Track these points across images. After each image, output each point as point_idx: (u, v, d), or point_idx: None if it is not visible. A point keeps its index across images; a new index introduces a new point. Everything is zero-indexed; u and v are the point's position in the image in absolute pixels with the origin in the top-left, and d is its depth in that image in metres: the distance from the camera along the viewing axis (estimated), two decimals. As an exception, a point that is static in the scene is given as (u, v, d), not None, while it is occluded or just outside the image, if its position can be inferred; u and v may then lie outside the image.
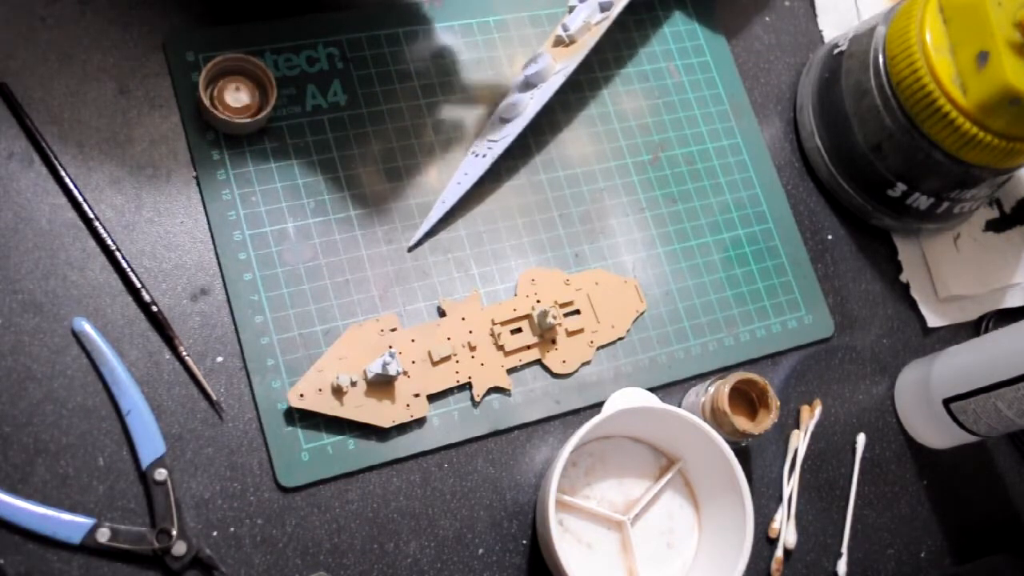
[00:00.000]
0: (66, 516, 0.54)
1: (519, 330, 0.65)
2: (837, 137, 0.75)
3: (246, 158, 0.64)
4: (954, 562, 0.71)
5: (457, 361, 0.63)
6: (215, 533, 0.57)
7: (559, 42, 0.72)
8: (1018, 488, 0.75)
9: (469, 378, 0.63)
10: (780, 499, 0.68)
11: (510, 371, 0.65)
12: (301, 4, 0.69)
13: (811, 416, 0.70)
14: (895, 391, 0.74)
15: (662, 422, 0.62)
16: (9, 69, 0.62)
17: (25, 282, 0.58)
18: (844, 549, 0.68)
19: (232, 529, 0.57)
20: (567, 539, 0.62)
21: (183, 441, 0.58)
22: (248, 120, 0.63)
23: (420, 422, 0.62)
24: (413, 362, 0.62)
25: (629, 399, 0.63)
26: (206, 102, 0.62)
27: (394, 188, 0.67)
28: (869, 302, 0.75)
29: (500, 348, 0.64)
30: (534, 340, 0.65)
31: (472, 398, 0.63)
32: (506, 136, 0.67)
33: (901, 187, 0.72)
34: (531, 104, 0.68)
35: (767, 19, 0.82)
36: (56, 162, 0.61)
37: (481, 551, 0.61)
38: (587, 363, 0.66)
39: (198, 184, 0.63)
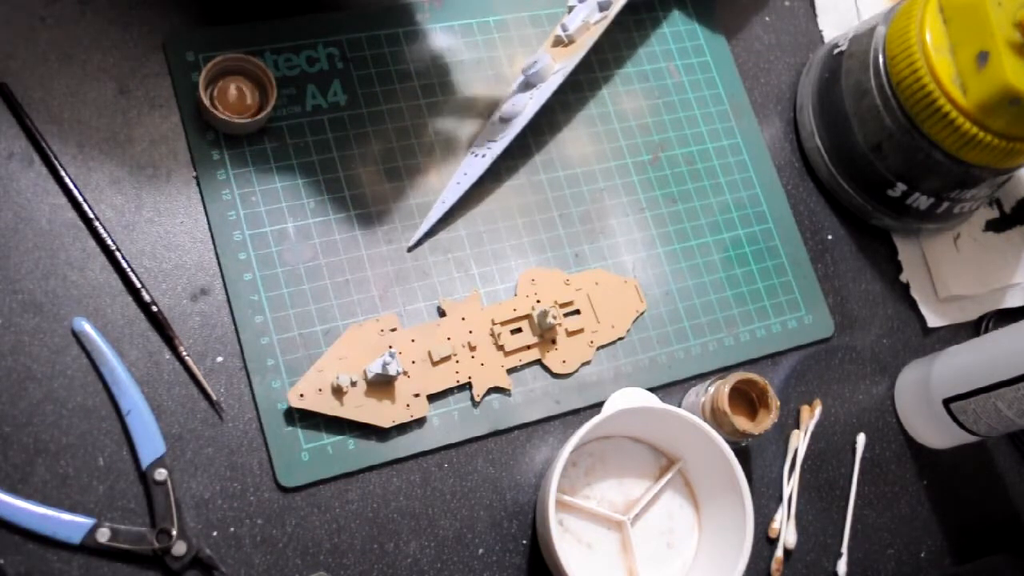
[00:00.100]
0: (66, 516, 0.54)
1: (519, 330, 0.65)
2: (837, 137, 0.75)
3: (246, 158, 0.64)
4: (954, 562, 0.71)
5: (457, 361, 0.63)
6: (215, 533, 0.57)
7: (558, 42, 0.72)
8: (1018, 488, 0.75)
9: (469, 378, 0.63)
10: (780, 499, 0.68)
11: (510, 371, 0.65)
12: (301, 4, 0.69)
13: (811, 416, 0.70)
14: (895, 391, 0.74)
15: (662, 422, 0.62)
16: (9, 69, 0.62)
17: (25, 282, 0.58)
18: (844, 549, 0.68)
19: (232, 529, 0.57)
20: (567, 539, 0.62)
21: (183, 441, 0.58)
22: (248, 120, 0.63)
23: (420, 422, 0.62)
24: (413, 362, 0.62)
25: (629, 399, 0.63)
26: (206, 102, 0.62)
27: (394, 188, 0.67)
28: (869, 302, 0.75)
29: (500, 348, 0.64)
30: (534, 340, 0.65)
31: (472, 398, 0.63)
32: (505, 136, 0.67)
33: (901, 187, 0.72)
34: (530, 104, 0.68)
35: (767, 19, 0.82)
36: (56, 162, 0.61)
37: (481, 551, 0.61)
38: (587, 363, 0.66)
39: (198, 184, 0.63)
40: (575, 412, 0.66)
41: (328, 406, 0.60)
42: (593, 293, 0.68)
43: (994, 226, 0.80)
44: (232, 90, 0.63)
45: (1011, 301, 0.79)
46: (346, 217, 0.65)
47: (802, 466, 0.69)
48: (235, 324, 0.61)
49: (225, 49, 0.66)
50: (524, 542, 0.62)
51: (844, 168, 0.75)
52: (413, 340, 0.63)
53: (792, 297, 0.73)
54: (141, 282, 0.60)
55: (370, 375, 0.60)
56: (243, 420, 0.59)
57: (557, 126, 0.72)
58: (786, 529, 0.67)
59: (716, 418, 0.63)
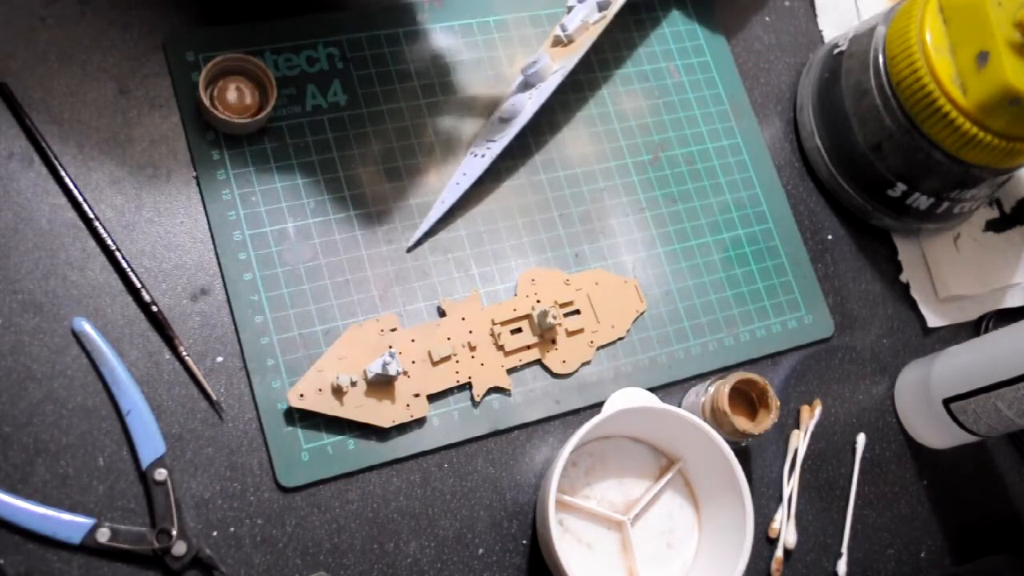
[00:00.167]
0: (66, 516, 0.54)
1: (519, 330, 0.65)
2: (837, 137, 0.75)
3: (246, 158, 0.64)
4: (954, 562, 0.71)
5: (457, 361, 0.63)
6: (215, 533, 0.57)
7: (557, 42, 0.72)
8: (1018, 488, 0.75)
9: (469, 378, 0.63)
10: (780, 499, 0.68)
11: (510, 371, 0.65)
12: (301, 4, 0.69)
13: (811, 416, 0.70)
14: (895, 391, 0.74)
15: (662, 422, 0.62)
16: (9, 69, 0.62)
17: (25, 282, 0.58)
18: (844, 549, 0.68)
19: (232, 529, 0.57)
20: (567, 539, 0.62)
21: (183, 441, 0.58)
22: (248, 120, 0.63)
23: (420, 422, 0.62)
24: (413, 362, 0.62)
25: (629, 399, 0.63)
26: (206, 102, 0.62)
27: (394, 188, 0.67)
28: (869, 302, 0.75)
29: (500, 348, 0.64)
30: (534, 340, 0.65)
31: (472, 398, 0.63)
32: (505, 136, 0.67)
33: (901, 187, 0.72)
34: (529, 104, 0.68)
35: (767, 19, 0.82)
36: (56, 162, 0.61)
37: (481, 551, 0.61)
38: (587, 363, 0.66)
39: (198, 184, 0.63)
40: (575, 412, 0.66)
41: (328, 406, 0.60)
42: (593, 293, 0.68)
43: (994, 226, 0.80)
44: (232, 90, 0.63)
45: (1011, 301, 0.79)
46: (346, 217, 0.65)
47: (802, 466, 0.69)
48: (235, 324, 0.61)
49: (225, 49, 0.66)
50: (524, 542, 0.62)
51: (844, 168, 0.75)
52: (413, 340, 0.63)
53: (792, 297, 0.73)
54: (141, 282, 0.60)
55: (370, 375, 0.60)
56: (243, 420, 0.59)
57: (557, 126, 0.72)
58: (786, 529, 0.67)
59: (716, 418, 0.63)
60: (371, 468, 0.61)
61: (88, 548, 0.54)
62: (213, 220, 0.63)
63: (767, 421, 0.63)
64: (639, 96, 0.75)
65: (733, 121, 0.77)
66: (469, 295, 0.66)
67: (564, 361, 0.66)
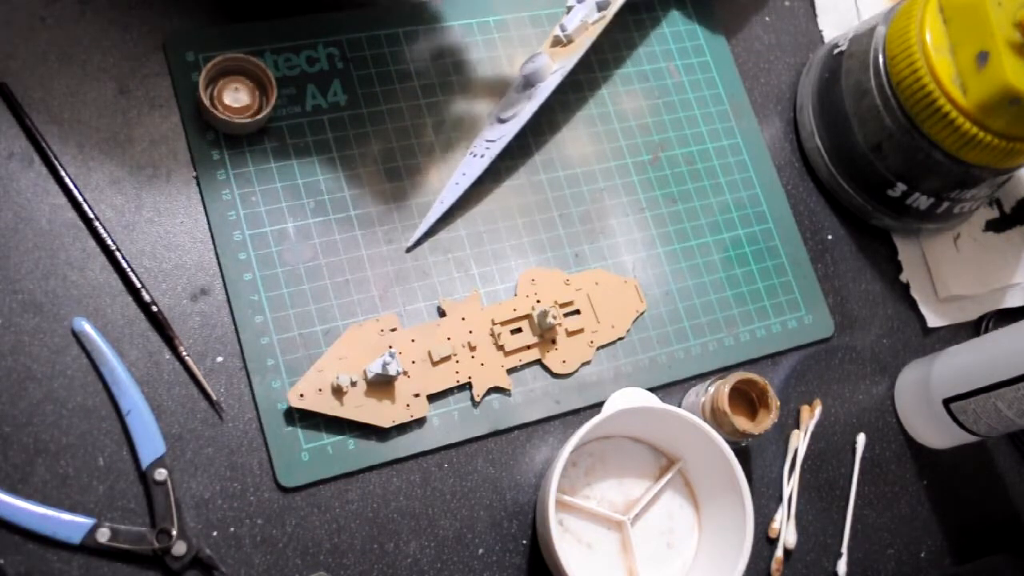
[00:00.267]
0: (66, 516, 0.54)
1: (519, 330, 0.65)
2: (837, 137, 0.75)
3: (246, 158, 0.64)
4: (954, 562, 0.71)
5: (457, 361, 0.63)
6: (215, 533, 0.57)
7: (557, 42, 0.72)
8: (1018, 488, 0.75)
9: (469, 378, 0.63)
10: (780, 499, 0.68)
11: (510, 371, 0.65)
12: (301, 4, 0.69)
13: (811, 416, 0.70)
14: (895, 391, 0.74)
15: (662, 422, 0.62)
16: (9, 69, 0.62)
17: (25, 282, 0.58)
18: (844, 549, 0.68)
19: (232, 529, 0.57)
20: (567, 539, 0.62)
21: (183, 441, 0.58)
22: (248, 120, 0.63)
23: (420, 422, 0.62)
24: (413, 362, 0.62)
25: (629, 399, 0.63)
26: (206, 102, 0.62)
27: (394, 188, 0.67)
28: (869, 302, 0.75)
29: (500, 348, 0.64)
30: (534, 340, 0.65)
31: (472, 398, 0.63)
32: (503, 136, 0.67)
33: (901, 187, 0.72)
34: (528, 104, 0.68)
35: (767, 19, 0.82)
36: (56, 162, 0.61)
37: (481, 551, 0.61)
38: (587, 363, 0.66)
39: (198, 184, 0.63)
40: (575, 412, 0.66)
41: (328, 406, 0.60)
42: (593, 293, 0.68)
43: (994, 226, 0.80)
44: (232, 90, 0.63)
45: (1011, 301, 0.79)
46: (346, 217, 0.65)
47: (802, 466, 0.69)
48: (235, 324, 0.61)
49: (225, 49, 0.66)
50: (524, 542, 0.62)
51: (844, 168, 0.75)
52: (413, 340, 0.63)
53: (792, 297, 0.73)
54: (141, 282, 0.60)
55: (370, 375, 0.60)
56: (243, 420, 0.59)
57: (557, 126, 0.72)
58: (786, 529, 0.67)
59: (716, 418, 0.63)
60: (371, 468, 0.61)
61: (88, 548, 0.54)
62: (213, 220, 0.63)
63: (767, 421, 0.63)
64: (639, 96, 0.75)
65: (733, 121, 0.77)
66: (469, 295, 0.66)
67: (564, 361, 0.66)
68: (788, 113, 0.79)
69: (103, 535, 0.54)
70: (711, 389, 0.64)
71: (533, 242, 0.69)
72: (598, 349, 0.67)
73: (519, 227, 0.69)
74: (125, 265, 0.60)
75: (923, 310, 0.76)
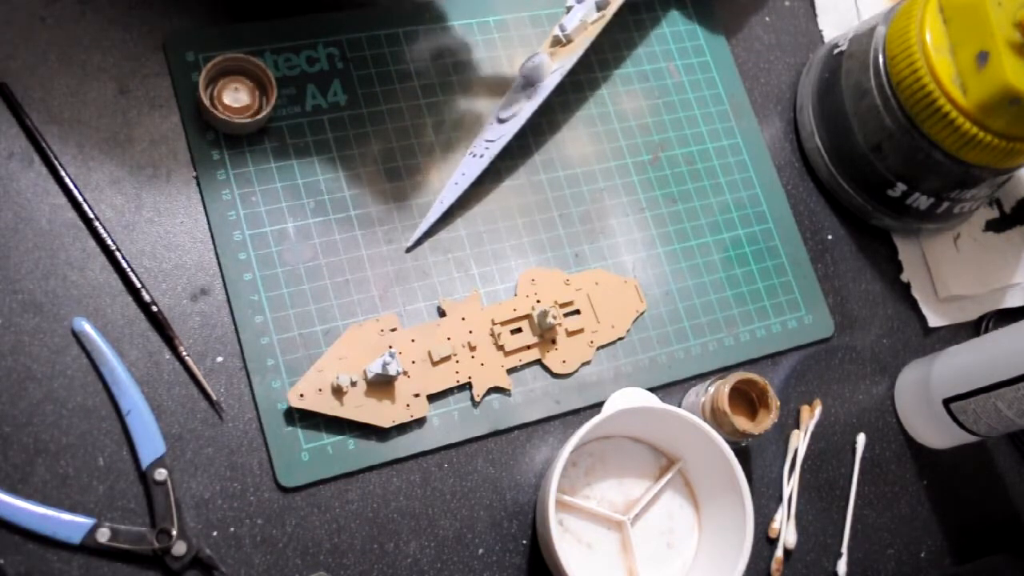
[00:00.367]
0: (66, 516, 0.54)
1: (519, 330, 0.65)
2: (837, 137, 0.75)
3: (246, 158, 0.64)
4: (954, 562, 0.71)
5: (457, 361, 0.63)
6: (215, 533, 0.57)
7: (556, 42, 0.72)
8: (1018, 488, 0.75)
9: (469, 378, 0.63)
10: (780, 499, 0.68)
11: (510, 371, 0.65)
12: (301, 4, 0.69)
13: (811, 416, 0.70)
14: (895, 391, 0.74)
15: (662, 422, 0.62)
16: (9, 69, 0.62)
17: (25, 282, 0.58)
18: (844, 549, 0.68)
19: (232, 529, 0.57)
20: (567, 539, 0.62)
21: (183, 441, 0.58)
22: (248, 120, 0.63)
23: (420, 422, 0.62)
24: (413, 362, 0.62)
25: (629, 399, 0.63)
26: (206, 102, 0.62)
27: (394, 188, 0.67)
28: (869, 302, 0.75)
29: (500, 348, 0.64)
30: (534, 340, 0.65)
31: (472, 398, 0.63)
32: (503, 136, 0.67)
33: (901, 187, 0.72)
34: (528, 104, 0.68)
35: (767, 19, 0.82)
36: (56, 162, 0.61)
37: (481, 551, 0.61)
38: (587, 363, 0.66)
39: (198, 184, 0.63)
40: (575, 412, 0.66)
41: (328, 406, 0.60)
42: (593, 293, 0.68)
43: (994, 226, 0.80)
44: (232, 90, 0.63)
45: (1011, 301, 0.79)
46: (346, 217, 0.65)
47: (802, 466, 0.69)
48: (235, 324, 0.61)
49: (225, 49, 0.66)
50: (524, 542, 0.62)
51: (844, 168, 0.75)
52: (413, 340, 0.63)
53: (792, 297, 0.73)
54: (141, 282, 0.60)
55: (370, 375, 0.60)
56: (243, 420, 0.59)
57: (557, 126, 0.72)
58: (786, 529, 0.67)
59: (716, 418, 0.63)
60: (371, 468, 0.61)
61: (88, 548, 0.54)
62: (213, 220, 0.63)
63: (767, 421, 0.63)
64: (639, 96, 0.75)
65: (733, 121, 0.77)
66: (469, 295, 0.66)
67: (564, 361, 0.66)
68: (788, 113, 0.79)
69: (103, 535, 0.54)
70: (711, 389, 0.64)
71: (533, 242, 0.69)
72: (598, 349, 0.67)
73: (519, 227, 0.69)
74: (125, 265, 0.60)
75: (923, 310, 0.76)
